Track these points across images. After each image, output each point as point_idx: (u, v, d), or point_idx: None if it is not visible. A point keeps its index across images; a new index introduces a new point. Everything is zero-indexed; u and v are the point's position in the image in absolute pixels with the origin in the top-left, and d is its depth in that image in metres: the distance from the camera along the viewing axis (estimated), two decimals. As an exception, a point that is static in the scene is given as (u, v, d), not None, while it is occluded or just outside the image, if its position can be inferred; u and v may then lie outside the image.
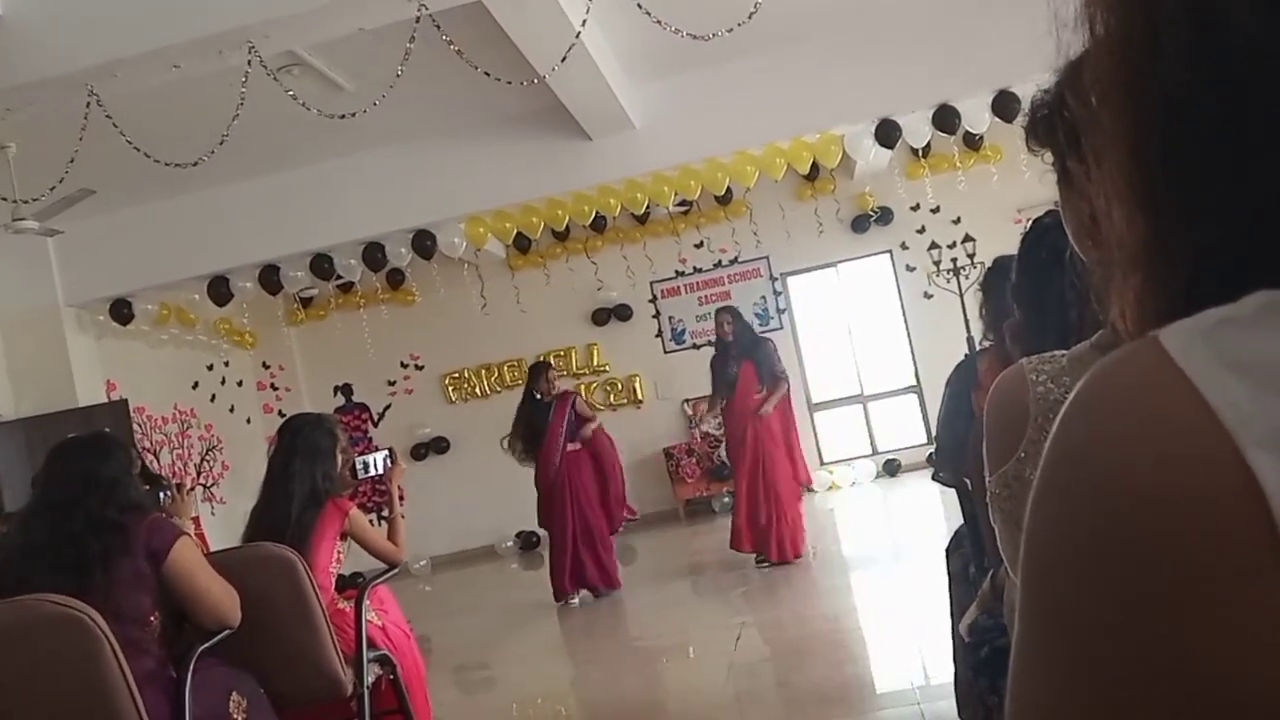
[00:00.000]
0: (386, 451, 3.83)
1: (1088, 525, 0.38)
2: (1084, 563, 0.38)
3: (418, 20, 4.88)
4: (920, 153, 8.51)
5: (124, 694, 2.31)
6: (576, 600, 6.89)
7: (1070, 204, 0.90)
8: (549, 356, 10.68)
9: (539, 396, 7.03)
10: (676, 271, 10.53)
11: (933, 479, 3.15)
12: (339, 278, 8.60)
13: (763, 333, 10.38)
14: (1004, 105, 7.28)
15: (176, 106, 5.82)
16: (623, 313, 10.60)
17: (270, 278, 8.23)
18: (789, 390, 7.08)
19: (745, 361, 6.86)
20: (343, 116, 5.46)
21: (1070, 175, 0.88)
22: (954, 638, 2.45)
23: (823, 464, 10.34)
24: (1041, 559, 0.40)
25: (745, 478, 6.89)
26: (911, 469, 9.82)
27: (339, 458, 3.45)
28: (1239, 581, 0.35)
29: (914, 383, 10.27)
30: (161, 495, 3.04)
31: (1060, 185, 0.92)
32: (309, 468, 3.34)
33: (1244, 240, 0.40)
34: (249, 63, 4.95)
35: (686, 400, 10.53)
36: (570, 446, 6.98)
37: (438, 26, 4.92)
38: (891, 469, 10.18)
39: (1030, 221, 1.79)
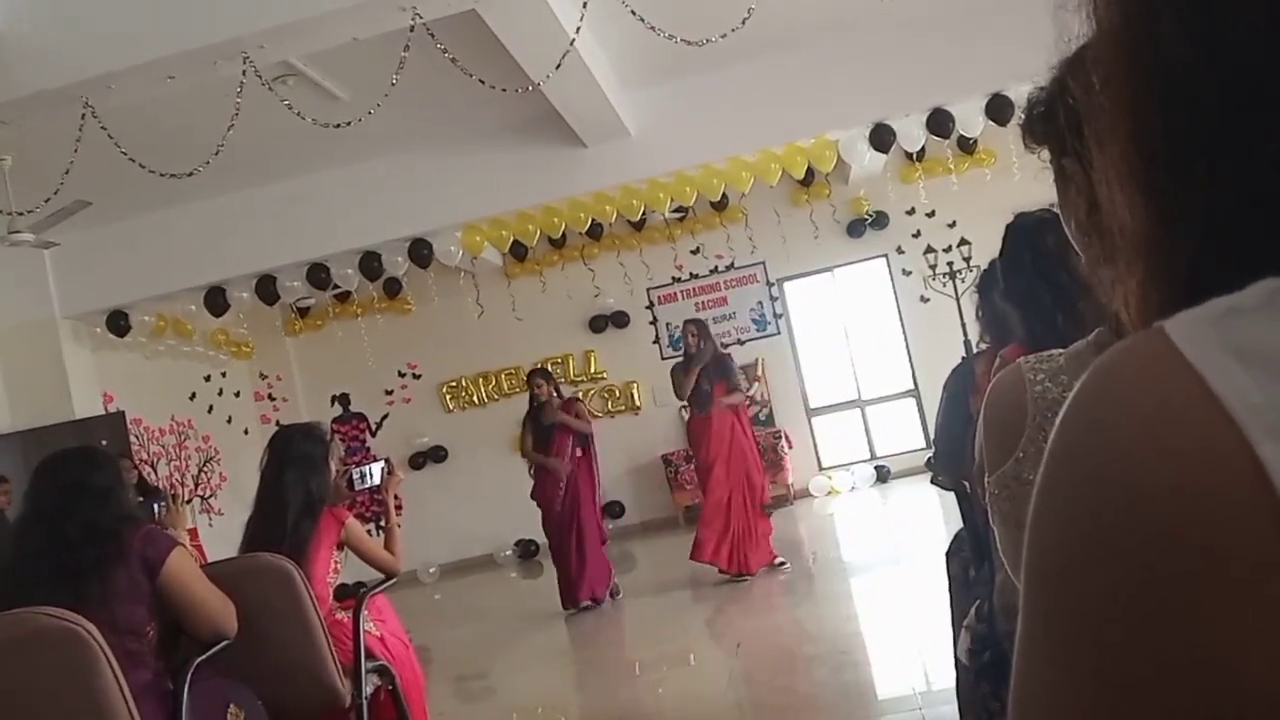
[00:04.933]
0: (383, 462, 3.82)
1: (1092, 520, 0.37)
2: (1089, 559, 0.37)
3: (412, 29, 4.88)
4: (915, 157, 8.52)
5: (120, 707, 2.29)
6: (589, 602, 6.86)
7: (1067, 200, 0.89)
8: (546, 364, 10.71)
9: (537, 404, 7.04)
10: (673, 278, 10.53)
11: (931, 482, 3.15)
12: (336, 287, 8.59)
13: (760, 338, 10.49)
14: (998, 108, 7.29)
15: (172, 118, 5.82)
16: (620, 319, 10.60)
17: (267, 288, 8.22)
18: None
19: (719, 381, 6.88)
20: (338, 126, 5.46)
21: (1067, 171, 0.87)
22: (955, 642, 2.43)
23: (821, 469, 10.34)
24: (1045, 556, 0.39)
25: (729, 490, 6.81)
26: (908, 473, 9.81)
27: (331, 465, 3.43)
28: (1248, 576, 0.34)
29: (912, 387, 10.27)
30: (156, 507, 3.03)
31: (1057, 182, 0.92)
32: (301, 478, 3.33)
33: (1248, 226, 0.40)
34: (244, 73, 4.94)
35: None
36: (576, 452, 6.98)
37: (432, 35, 4.93)
38: (882, 475, 10.16)
39: (1005, 229, 1.78)
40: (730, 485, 6.80)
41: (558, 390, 7.20)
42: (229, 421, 10.10)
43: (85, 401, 7.89)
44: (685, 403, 7.15)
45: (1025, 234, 1.71)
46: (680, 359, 7.20)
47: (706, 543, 6.79)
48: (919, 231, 10.06)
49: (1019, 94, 6.87)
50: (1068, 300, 1.45)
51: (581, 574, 6.88)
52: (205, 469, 9.27)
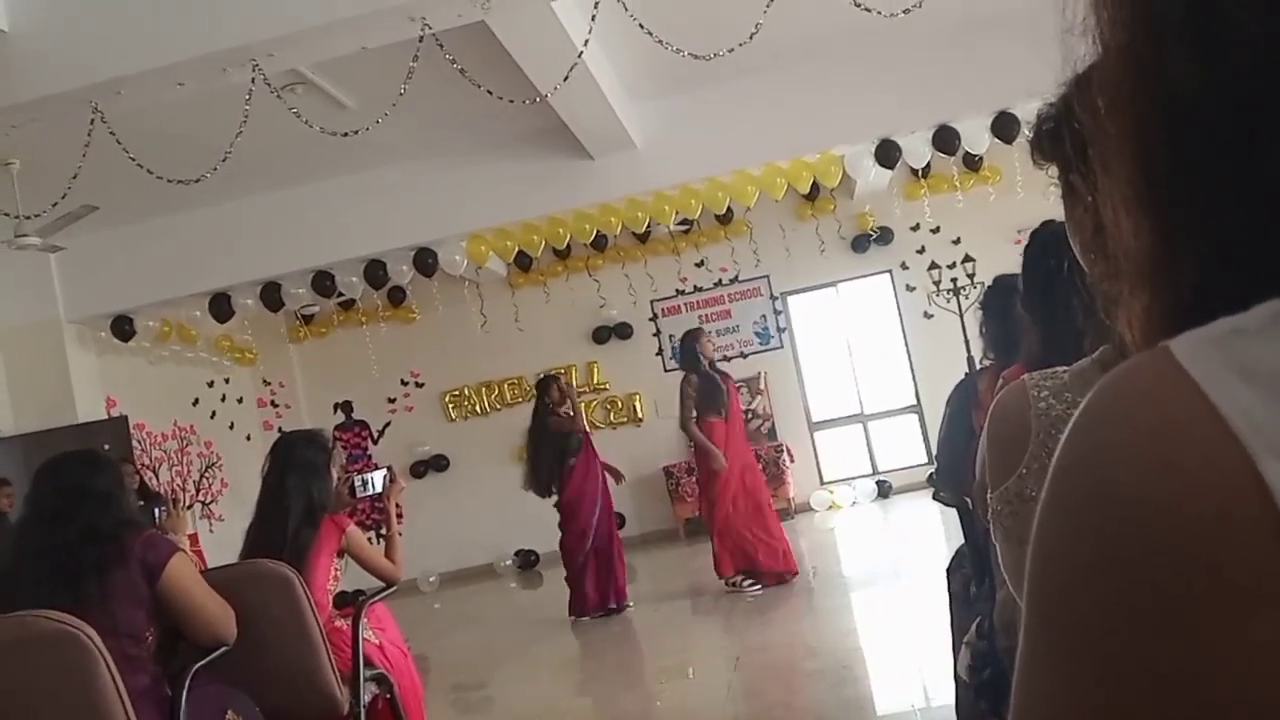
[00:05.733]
0: (385, 470, 3.82)
1: (1096, 534, 0.38)
2: (1092, 571, 0.37)
3: (420, 39, 4.90)
4: (920, 173, 8.53)
5: (118, 710, 2.29)
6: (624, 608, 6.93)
7: (1074, 218, 0.90)
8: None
9: (551, 408, 7.00)
10: (677, 290, 10.53)
11: (933, 498, 3.14)
12: (340, 295, 8.61)
13: (763, 352, 10.49)
14: (1003, 126, 7.30)
15: (180, 124, 5.84)
16: (623, 331, 10.60)
17: (272, 295, 8.24)
18: None
19: (730, 385, 6.97)
20: (345, 134, 5.47)
21: (1075, 189, 0.87)
22: (955, 658, 2.43)
23: (822, 483, 10.32)
24: (1049, 569, 0.40)
25: (762, 495, 6.89)
26: (909, 489, 9.79)
27: (333, 473, 3.44)
28: (1250, 591, 0.34)
29: (914, 402, 10.26)
30: (157, 511, 3.03)
31: (1065, 199, 0.92)
32: (303, 484, 3.33)
33: (1253, 248, 0.40)
34: (253, 81, 4.96)
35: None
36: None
37: (440, 46, 4.94)
38: (884, 490, 10.14)
39: (1029, 234, 1.78)
40: (762, 491, 6.89)
41: (565, 396, 7.09)
42: (231, 427, 10.10)
43: (88, 405, 7.90)
44: (694, 414, 7.04)
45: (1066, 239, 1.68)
46: (686, 371, 7.15)
47: (781, 550, 6.79)
48: (923, 247, 10.07)
49: (1025, 111, 6.90)
50: (1089, 311, 1.44)
51: (622, 579, 6.94)
52: (207, 474, 9.27)
